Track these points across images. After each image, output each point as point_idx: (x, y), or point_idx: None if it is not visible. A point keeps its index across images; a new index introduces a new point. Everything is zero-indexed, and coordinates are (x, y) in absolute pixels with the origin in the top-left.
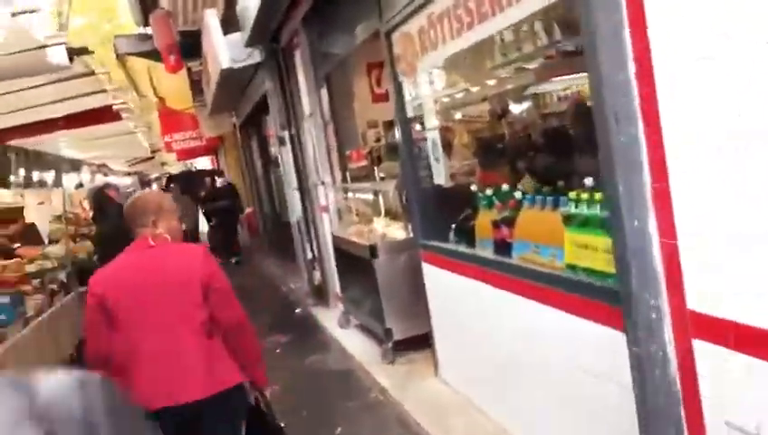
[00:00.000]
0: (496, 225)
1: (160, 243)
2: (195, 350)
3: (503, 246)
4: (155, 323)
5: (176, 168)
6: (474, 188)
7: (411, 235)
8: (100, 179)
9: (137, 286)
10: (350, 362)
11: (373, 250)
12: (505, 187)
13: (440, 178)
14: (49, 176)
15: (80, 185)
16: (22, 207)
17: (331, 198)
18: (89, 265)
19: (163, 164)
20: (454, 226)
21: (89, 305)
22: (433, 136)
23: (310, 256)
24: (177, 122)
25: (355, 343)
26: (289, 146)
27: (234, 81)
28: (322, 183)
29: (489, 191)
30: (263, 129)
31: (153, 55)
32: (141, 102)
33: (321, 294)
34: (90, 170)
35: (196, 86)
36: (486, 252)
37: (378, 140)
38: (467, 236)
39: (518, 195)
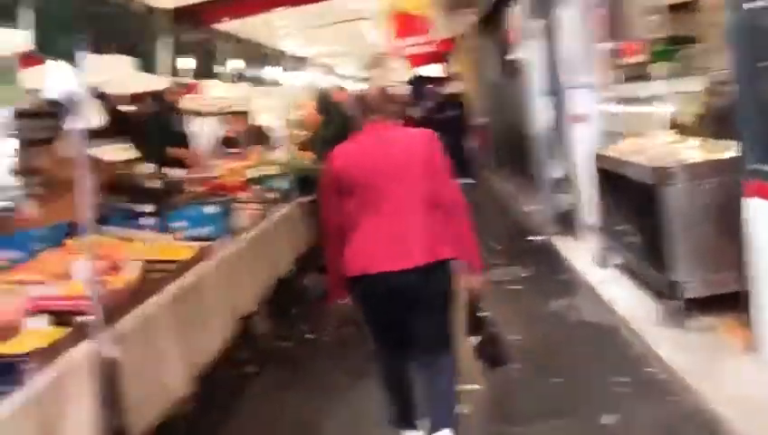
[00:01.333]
0: None
1: (390, 126)
2: (416, 222)
3: None
4: (382, 195)
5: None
6: None
7: (720, 157)
8: (329, 82)
9: (368, 162)
10: (611, 316)
11: (664, 174)
12: None
13: None
14: (268, 72)
15: (309, 86)
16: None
17: (592, 104)
18: (313, 175)
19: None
20: None
21: (326, 176)
22: None
23: (556, 175)
24: (408, 26)
25: (617, 292)
26: (539, 40)
27: None
28: (580, 86)
29: None
30: (502, 27)
31: None
32: None
33: (567, 221)
34: (319, 70)
35: None
36: None
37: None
38: None
39: None
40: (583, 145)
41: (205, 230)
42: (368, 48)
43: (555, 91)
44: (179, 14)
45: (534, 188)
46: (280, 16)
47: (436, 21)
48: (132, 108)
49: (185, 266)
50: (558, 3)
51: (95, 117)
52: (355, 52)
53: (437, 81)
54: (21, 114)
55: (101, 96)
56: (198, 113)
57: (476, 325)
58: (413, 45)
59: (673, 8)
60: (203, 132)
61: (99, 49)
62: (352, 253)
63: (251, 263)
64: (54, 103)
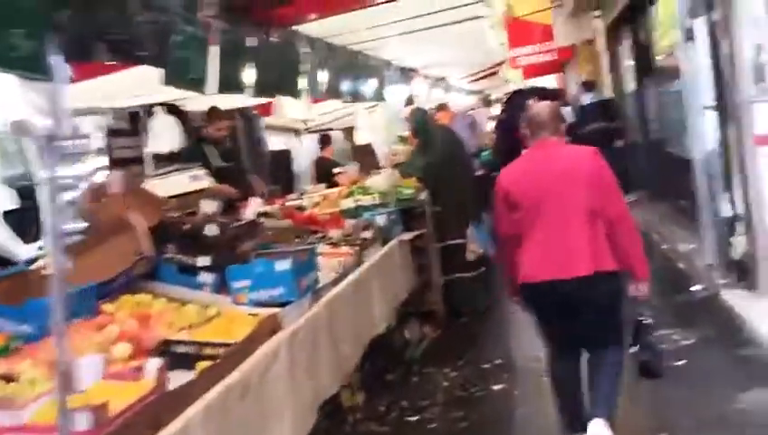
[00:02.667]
0: None
1: (556, 144)
2: (581, 235)
3: None
4: (549, 210)
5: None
6: None
7: None
8: (437, 97)
9: (535, 180)
10: None
11: None
12: None
13: None
14: (365, 85)
15: (409, 101)
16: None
17: None
18: (417, 207)
19: (507, 81)
20: None
21: (497, 196)
22: None
23: (728, 211)
24: (526, 34)
25: None
26: (702, 41)
27: None
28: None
29: None
30: (641, 29)
31: None
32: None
33: (743, 270)
34: (426, 83)
35: None
36: None
37: None
38: None
39: None
40: None
41: (275, 292)
42: (488, 53)
43: (727, 106)
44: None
45: (690, 223)
46: (381, 15)
47: (556, 28)
48: (217, 128)
49: (240, 350)
50: None
51: (170, 139)
52: (473, 58)
53: (549, 93)
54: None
55: (178, 113)
56: (296, 131)
57: (637, 333)
58: (530, 55)
59: None
60: (299, 153)
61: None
62: (523, 262)
63: (337, 330)
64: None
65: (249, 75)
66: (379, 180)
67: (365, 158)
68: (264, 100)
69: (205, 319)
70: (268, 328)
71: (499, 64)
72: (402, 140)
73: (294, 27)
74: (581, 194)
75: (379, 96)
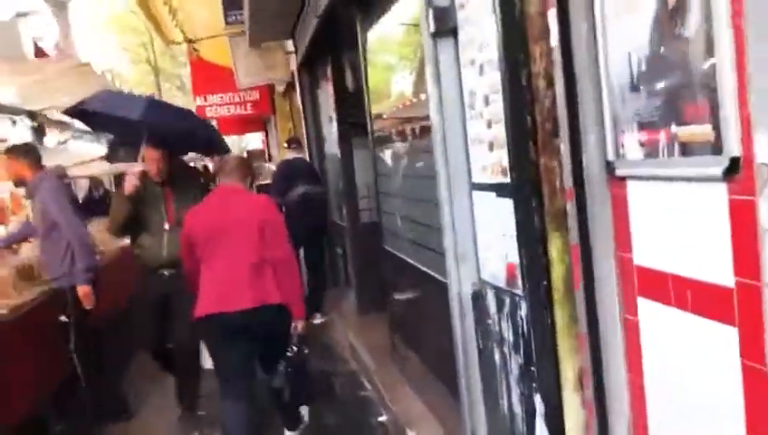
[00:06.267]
0: None
1: (233, 190)
2: (249, 274)
3: None
4: (222, 250)
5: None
6: None
7: None
8: None
9: (212, 222)
10: None
11: None
12: None
13: None
14: None
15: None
16: None
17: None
18: None
19: None
20: None
21: (182, 235)
22: None
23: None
24: (212, 77)
25: None
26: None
27: None
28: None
29: None
30: (341, 61)
31: None
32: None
33: None
34: None
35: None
36: None
37: None
38: None
39: None
40: None
41: None
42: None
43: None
44: None
45: (428, 375)
46: None
47: (237, 64)
48: None
49: None
50: None
51: None
52: None
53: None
54: None
55: None
56: None
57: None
58: (220, 105)
59: None
60: None
61: None
62: (204, 294)
63: None
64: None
65: None
66: None
67: None
68: None
69: None
70: None
71: None
72: None
73: None
74: (252, 237)
75: None
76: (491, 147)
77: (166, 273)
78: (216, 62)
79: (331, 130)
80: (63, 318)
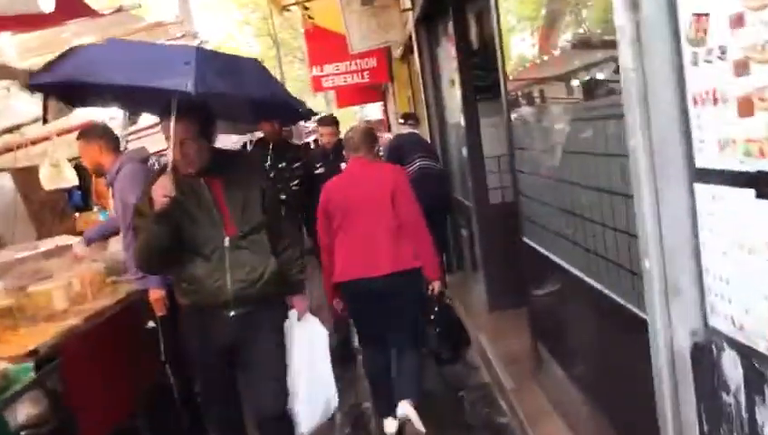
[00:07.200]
0: None
1: (362, 164)
2: (386, 239)
3: None
4: (361, 221)
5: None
6: None
7: None
8: None
9: (348, 196)
10: None
11: None
12: None
13: None
14: None
15: None
16: None
17: None
18: None
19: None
20: None
21: (319, 209)
22: None
23: None
24: (327, 46)
25: None
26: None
27: None
28: None
29: None
30: (464, 13)
31: None
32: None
33: None
34: None
35: None
36: None
37: None
38: None
39: None
40: None
41: None
42: None
43: None
44: None
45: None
46: None
47: (350, 29)
48: None
49: None
50: None
51: None
52: None
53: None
54: None
55: None
56: None
57: (440, 315)
58: (336, 74)
59: None
60: None
61: None
62: (342, 260)
63: None
64: None
65: None
66: None
67: None
68: None
69: None
70: None
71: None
72: None
73: None
74: (386, 203)
75: None
76: (746, 108)
77: (233, 313)
78: (330, 28)
79: (453, 95)
80: (152, 324)
